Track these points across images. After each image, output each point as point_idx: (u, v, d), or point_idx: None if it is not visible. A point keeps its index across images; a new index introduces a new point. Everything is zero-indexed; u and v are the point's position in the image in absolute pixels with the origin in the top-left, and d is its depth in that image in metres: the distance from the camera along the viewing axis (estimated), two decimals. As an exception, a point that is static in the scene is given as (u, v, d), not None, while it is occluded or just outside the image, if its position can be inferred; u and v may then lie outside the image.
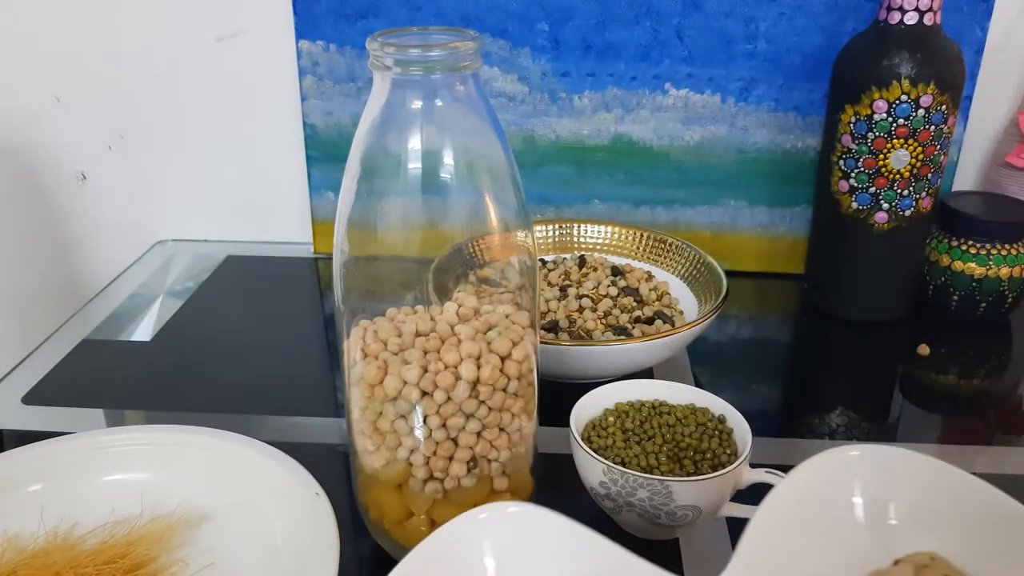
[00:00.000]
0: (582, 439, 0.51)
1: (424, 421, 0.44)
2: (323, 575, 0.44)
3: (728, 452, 0.51)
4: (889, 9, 0.69)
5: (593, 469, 0.49)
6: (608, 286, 0.73)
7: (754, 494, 0.47)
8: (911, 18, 0.68)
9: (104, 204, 0.93)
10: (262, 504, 0.51)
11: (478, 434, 0.45)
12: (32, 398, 0.67)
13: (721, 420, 0.53)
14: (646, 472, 0.49)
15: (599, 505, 0.52)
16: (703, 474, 0.49)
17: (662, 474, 0.50)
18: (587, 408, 0.54)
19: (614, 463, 0.49)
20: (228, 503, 0.52)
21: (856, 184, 0.73)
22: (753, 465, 0.50)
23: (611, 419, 0.54)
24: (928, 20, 0.68)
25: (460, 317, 0.46)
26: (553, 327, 0.67)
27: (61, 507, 0.51)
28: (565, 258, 0.79)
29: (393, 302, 0.46)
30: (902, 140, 0.70)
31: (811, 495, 0.41)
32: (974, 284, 0.75)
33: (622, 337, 0.65)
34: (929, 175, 0.72)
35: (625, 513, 0.50)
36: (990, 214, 0.76)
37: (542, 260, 0.78)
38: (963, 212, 0.76)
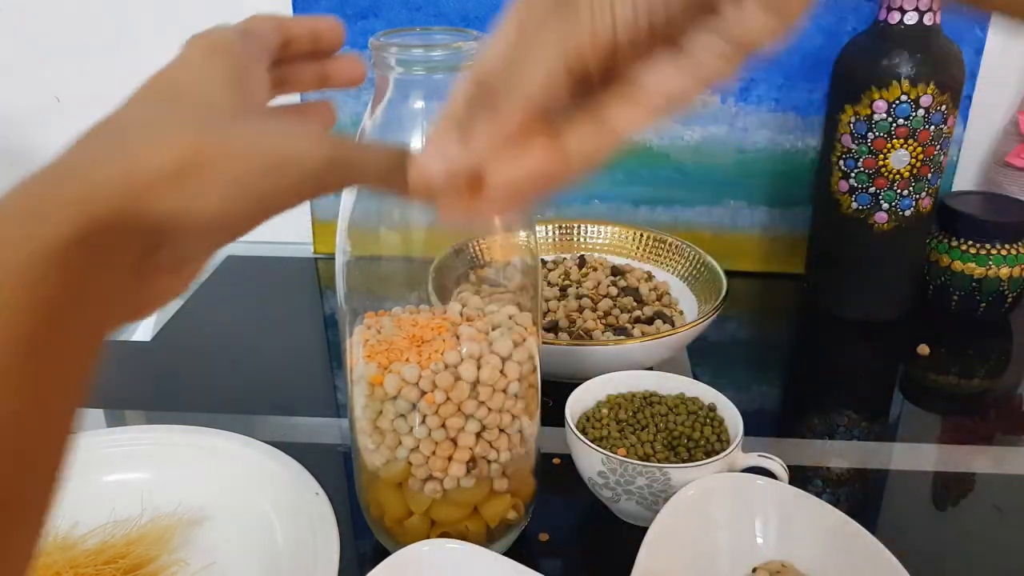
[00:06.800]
0: (577, 431, 0.51)
1: (423, 421, 0.44)
2: (323, 575, 0.44)
3: (721, 438, 0.52)
4: (889, 9, 0.69)
5: (591, 460, 0.50)
6: (608, 286, 0.73)
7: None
8: (911, 18, 0.68)
9: (104, 204, 0.93)
10: (262, 504, 0.51)
11: (477, 435, 0.45)
12: (32, 398, 0.66)
13: (712, 408, 0.54)
14: (643, 461, 0.50)
15: (597, 495, 0.52)
16: (698, 460, 0.50)
17: (659, 462, 0.50)
18: (580, 401, 0.55)
19: (611, 453, 0.49)
20: (228, 503, 0.52)
21: (856, 184, 0.73)
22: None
23: (604, 411, 0.54)
24: (928, 20, 0.68)
25: (464, 317, 0.46)
26: (553, 327, 0.66)
27: (61, 507, 0.51)
28: (565, 258, 0.79)
29: (396, 301, 0.46)
30: (902, 140, 0.70)
31: (693, 516, 0.47)
32: (974, 284, 0.75)
33: (622, 337, 0.65)
34: (929, 175, 0.72)
35: (623, 502, 0.50)
36: (990, 214, 0.76)
37: (542, 260, 0.78)
38: (963, 212, 0.76)
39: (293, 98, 0.35)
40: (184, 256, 0.26)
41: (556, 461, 0.57)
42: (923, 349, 0.74)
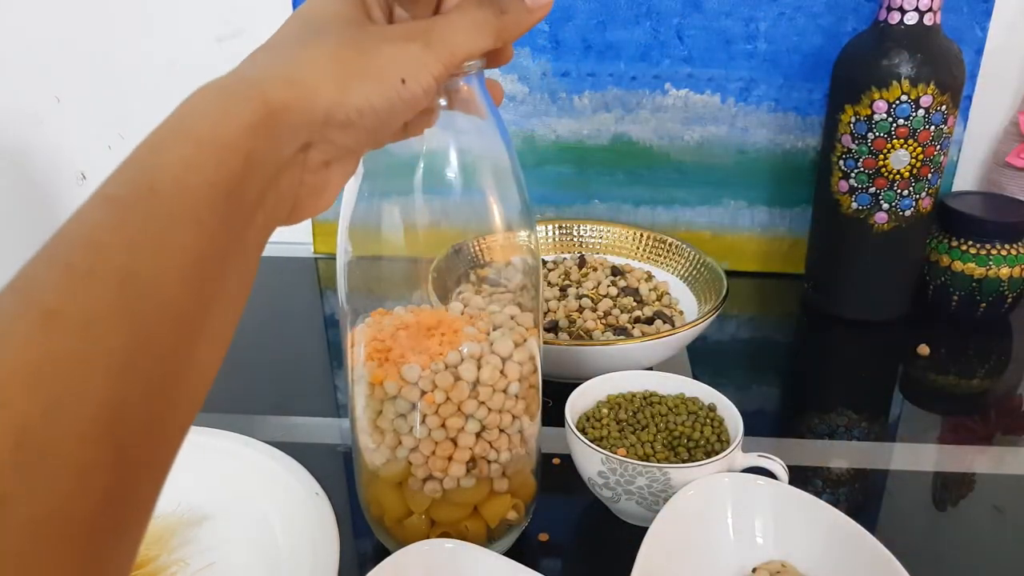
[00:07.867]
0: (577, 431, 0.51)
1: (423, 420, 0.44)
2: (323, 575, 0.44)
3: (721, 439, 0.52)
4: (889, 9, 0.69)
5: (591, 460, 0.50)
6: (608, 286, 0.73)
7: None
8: (911, 18, 0.68)
9: (104, 204, 0.93)
10: (262, 504, 0.51)
11: (477, 435, 0.45)
12: (32, 398, 0.66)
13: (712, 408, 0.54)
14: (643, 461, 0.50)
15: (597, 495, 0.52)
16: (698, 460, 0.50)
17: (659, 462, 0.50)
18: (580, 400, 0.55)
19: (611, 453, 0.49)
20: (228, 503, 0.52)
21: (856, 184, 0.73)
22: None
23: (604, 411, 0.54)
24: (928, 20, 0.68)
25: (465, 317, 0.46)
26: (553, 327, 0.66)
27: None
28: (565, 258, 0.79)
29: (397, 301, 0.46)
30: (902, 140, 0.70)
31: (693, 516, 0.47)
32: (974, 284, 0.75)
33: (622, 337, 0.65)
34: (929, 175, 0.72)
35: (623, 502, 0.50)
36: (990, 214, 0.76)
37: (542, 260, 0.78)
38: (963, 212, 0.76)
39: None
40: (330, 158, 0.31)
41: (556, 461, 0.57)
42: (923, 349, 0.74)
